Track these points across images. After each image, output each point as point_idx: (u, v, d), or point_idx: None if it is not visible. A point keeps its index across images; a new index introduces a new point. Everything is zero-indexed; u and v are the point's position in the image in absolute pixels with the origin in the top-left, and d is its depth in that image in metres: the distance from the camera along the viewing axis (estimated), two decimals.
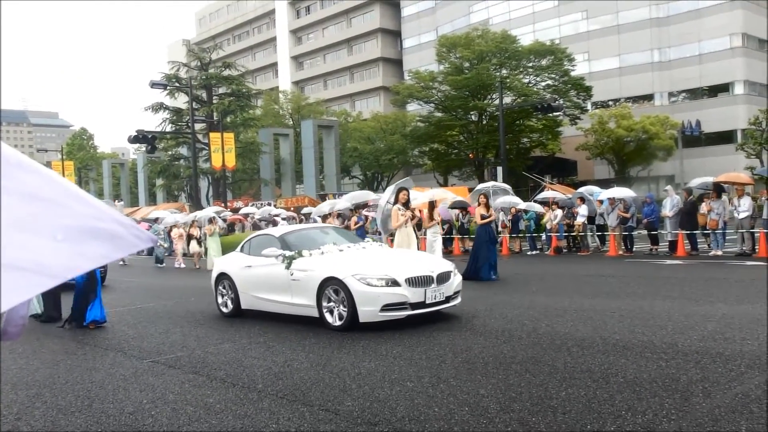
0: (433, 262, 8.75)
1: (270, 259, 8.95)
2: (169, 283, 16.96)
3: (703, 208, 16.42)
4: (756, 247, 15.66)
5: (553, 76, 45.78)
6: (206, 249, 21.65)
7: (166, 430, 4.59)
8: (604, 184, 32.66)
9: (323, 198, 44.35)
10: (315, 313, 8.27)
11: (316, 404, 4.97)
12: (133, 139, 33.00)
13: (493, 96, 44.23)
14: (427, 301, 7.97)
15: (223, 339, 8.01)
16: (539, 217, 21.92)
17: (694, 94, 51.00)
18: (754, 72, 49.31)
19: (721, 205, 16.34)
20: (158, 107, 44.96)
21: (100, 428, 4.74)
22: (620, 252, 18.12)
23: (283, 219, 26.85)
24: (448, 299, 8.28)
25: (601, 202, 19.50)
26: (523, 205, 22.14)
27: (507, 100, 41.83)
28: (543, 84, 46.42)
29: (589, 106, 48.76)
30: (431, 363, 6.08)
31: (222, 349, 7.40)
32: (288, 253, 8.81)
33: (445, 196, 19.71)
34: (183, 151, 47.22)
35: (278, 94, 67.66)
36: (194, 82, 41.92)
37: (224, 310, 9.91)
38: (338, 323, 7.97)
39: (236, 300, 9.65)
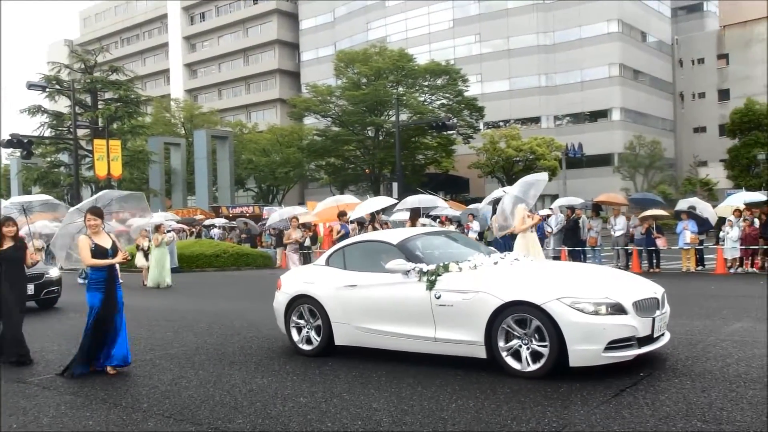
0: (641, 279, 6.50)
1: (393, 276, 6.50)
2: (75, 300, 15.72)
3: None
4: (629, 263, 16.81)
5: (447, 95, 47.38)
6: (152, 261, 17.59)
7: None
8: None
9: (216, 210, 43.30)
10: (480, 353, 5.91)
11: (206, 423, 4.81)
12: (7, 144, 30.70)
13: (390, 113, 45.12)
14: (655, 334, 5.80)
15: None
16: None
17: (577, 118, 54.37)
18: (629, 100, 53.30)
19: (599, 223, 17.50)
20: (36, 110, 42.18)
21: None
22: None
23: (170, 231, 25.57)
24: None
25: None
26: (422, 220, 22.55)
27: (403, 117, 42.75)
28: (438, 103, 47.94)
29: (481, 126, 50.80)
30: (324, 378, 6.05)
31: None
32: (427, 267, 6.35)
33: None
34: (64, 157, 44.59)
35: (170, 102, 65.51)
36: (77, 85, 39.75)
37: (304, 347, 7.14)
38: (529, 368, 5.62)
39: (327, 333, 6.97)
